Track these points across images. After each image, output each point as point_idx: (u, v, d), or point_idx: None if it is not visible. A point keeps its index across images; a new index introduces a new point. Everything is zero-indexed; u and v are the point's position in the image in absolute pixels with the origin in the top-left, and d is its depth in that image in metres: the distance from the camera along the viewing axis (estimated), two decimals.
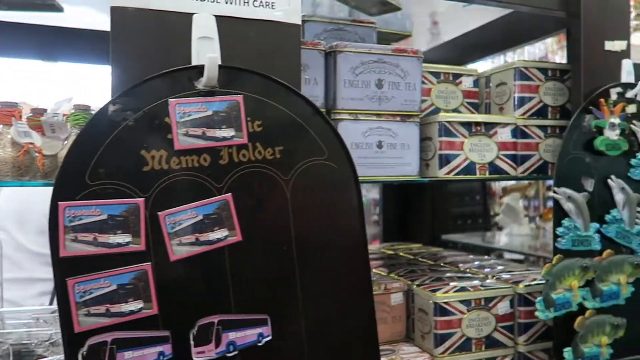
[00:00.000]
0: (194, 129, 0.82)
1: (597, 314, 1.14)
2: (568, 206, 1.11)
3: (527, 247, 1.95)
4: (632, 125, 1.20)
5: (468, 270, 1.44)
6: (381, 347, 1.19)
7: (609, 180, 1.17)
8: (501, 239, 2.14)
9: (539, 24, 1.46)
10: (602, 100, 1.17)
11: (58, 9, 1.38)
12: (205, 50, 0.84)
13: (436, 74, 1.29)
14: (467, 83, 1.32)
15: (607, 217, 1.16)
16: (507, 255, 2.27)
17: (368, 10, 1.47)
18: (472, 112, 1.32)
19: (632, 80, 1.22)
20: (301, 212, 0.89)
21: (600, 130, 1.16)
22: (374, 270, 1.48)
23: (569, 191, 1.12)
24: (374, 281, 1.26)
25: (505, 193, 2.19)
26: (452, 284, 1.23)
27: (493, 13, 1.60)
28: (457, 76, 1.31)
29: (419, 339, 1.22)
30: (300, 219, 0.89)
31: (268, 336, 0.86)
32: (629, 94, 1.20)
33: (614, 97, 1.19)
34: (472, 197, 2.82)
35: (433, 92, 1.28)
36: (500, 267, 1.45)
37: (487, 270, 1.41)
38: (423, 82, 1.27)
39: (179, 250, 0.81)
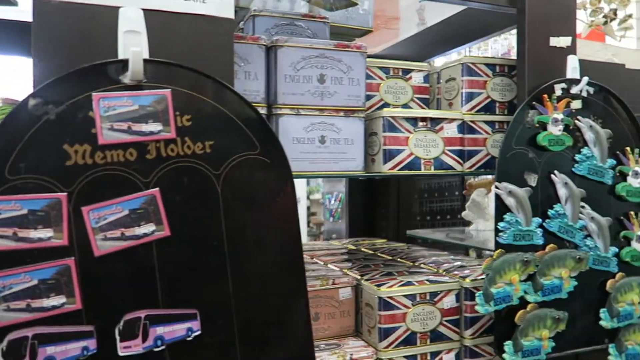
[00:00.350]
0: (119, 123, 0.82)
1: (539, 308, 1.15)
2: (509, 201, 1.12)
3: (492, 243, 1.96)
4: (576, 121, 1.21)
5: (422, 265, 1.45)
6: (327, 342, 1.20)
7: (552, 176, 1.18)
8: (467, 235, 2.15)
9: (495, 20, 1.47)
10: (545, 96, 1.17)
11: (11, 2, 1.36)
12: (132, 44, 0.83)
13: (385, 70, 1.29)
14: (417, 79, 1.32)
15: (550, 212, 1.17)
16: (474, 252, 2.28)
17: (327, 6, 1.47)
18: (423, 108, 1.32)
19: (577, 76, 1.22)
20: (233, 207, 0.89)
21: (543, 126, 1.17)
22: (329, 265, 1.48)
23: (510, 186, 1.13)
24: (322, 276, 1.26)
25: (470, 188, 2.20)
26: (399, 278, 1.23)
27: None
28: (406, 72, 1.31)
29: (366, 333, 1.23)
30: (231, 213, 0.89)
31: (197, 331, 0.86)
32: (574, 89, 1.21)
33: (558, 92, 1.20)
34: (452, 193, 2.83)
35: (382, 87, 1.28)
36: (455, 263, 1.46)
37: (441, 265, 1.42)
38: (372, 78, 1.27)
39: (103, 245, 0.81)
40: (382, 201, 2.15)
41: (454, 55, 1.85)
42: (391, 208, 2.12)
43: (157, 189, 0.84)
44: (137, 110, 0.83)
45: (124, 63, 0.82)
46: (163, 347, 0.84)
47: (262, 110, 1.07)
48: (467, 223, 2.38)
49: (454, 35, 1.64)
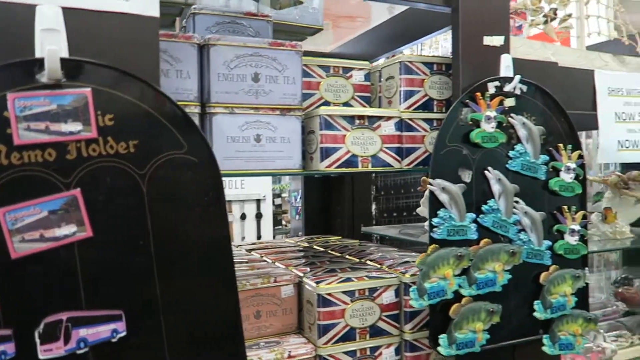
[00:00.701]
0: (37, 123, 0.81)
1: (474, 302, 1.18)
2: (443, 197, 1.14)
3: None
4: (509, 118, 1.24)
5: (368, 261, 1.46)
6: (267, 339, 1.21)
7: (486, 172, 1.20)
8: (422, 231, 2.18)
9: (435, 19, 1.48)
10: (478, 94, 1.20)
11: None
12: (49, 43, 0.82)
13: (325, 68, 1.30)
14: (358, 77, 1.33)
15: (484, 207, 1.20)
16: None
17: (292, 2, 1.47)
18: (364, 106, 1.34)
19: (510, 74, 1.25)
20: (159, 207, 0.88)
21: (477, 123, 1.20)
22: (276, 263, 1.49)
23: (443, 182, 1.15)
24: (264, 274, 1.27)
25: (424, 184, 2.23)
26: (340, 275, 1.25)
27: None
28: (347, 70, 1.32)
29: (307, 330, 1.23)
30: (158, 213, 0.88)
31: (123, 332, 0.86)
32: (507, 87, 1.24)
33: (491, 90, 1.22)
34: (417, 190, 2.86)
35: (322, 85, 1.29)
36: (401, 259, 1.47)
37: (386, 261, 1.43)
38: (311, 76, 1.28)
39: (21, 247, 0.80)
40: (337, 198, 2.17)
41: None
42: (346, 205, 2.13)
43: (78, 189, 0.83)
44: (55, 109, 0.82)
45: (41, 62, 0.81)
46: (86, 349, 0.84)
47: (196, 110, 1.07)
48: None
49: (398, 35, 1.66)
